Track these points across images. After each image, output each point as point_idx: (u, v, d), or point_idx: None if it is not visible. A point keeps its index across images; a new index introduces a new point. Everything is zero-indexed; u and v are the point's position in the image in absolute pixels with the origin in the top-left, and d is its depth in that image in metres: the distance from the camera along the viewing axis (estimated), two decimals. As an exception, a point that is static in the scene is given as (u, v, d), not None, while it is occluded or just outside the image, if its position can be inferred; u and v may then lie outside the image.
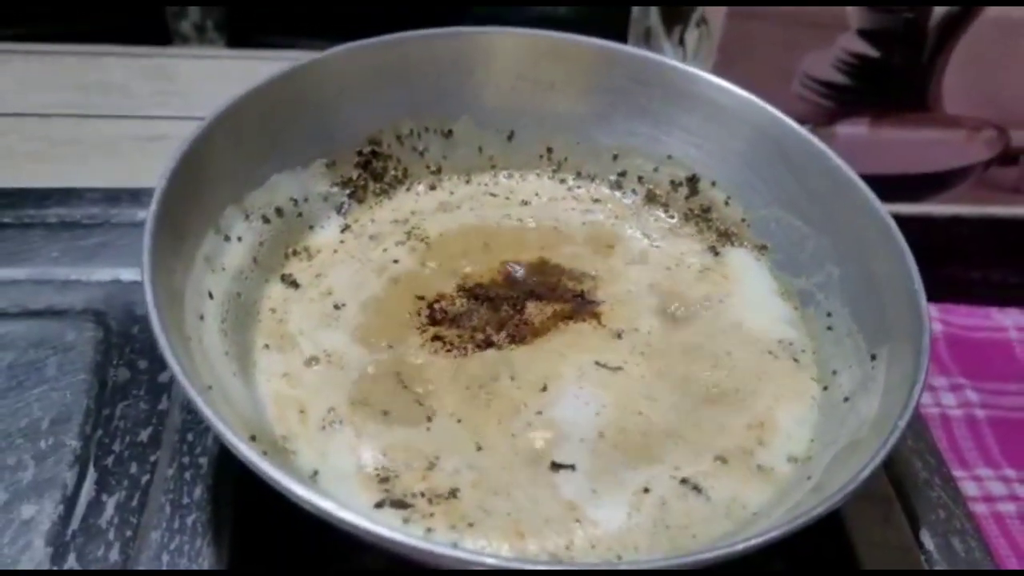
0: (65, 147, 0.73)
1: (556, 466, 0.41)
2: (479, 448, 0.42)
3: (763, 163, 0.50)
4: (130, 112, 0.77)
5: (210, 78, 0.83)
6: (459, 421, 0.43)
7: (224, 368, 0.41)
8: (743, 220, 0.52)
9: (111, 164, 0.72)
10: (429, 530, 0.39)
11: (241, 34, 0.87)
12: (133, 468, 0.47)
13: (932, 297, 0.84)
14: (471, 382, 0.44)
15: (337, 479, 0.40)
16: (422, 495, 0.40)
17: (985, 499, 0.70)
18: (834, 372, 0.45)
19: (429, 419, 0.43)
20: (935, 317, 0.81)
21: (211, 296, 0.43)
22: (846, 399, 0.43)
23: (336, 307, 0.47)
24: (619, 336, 0.47)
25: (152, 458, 0.47)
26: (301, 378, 0.44)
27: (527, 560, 0.37)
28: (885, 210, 0.45)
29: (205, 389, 0.36)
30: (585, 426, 0.43)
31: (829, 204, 0.47)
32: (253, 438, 0.38)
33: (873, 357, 0.42)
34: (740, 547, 0.32)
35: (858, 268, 0.46)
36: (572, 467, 0.41)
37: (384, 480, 0.40)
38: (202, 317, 0.41)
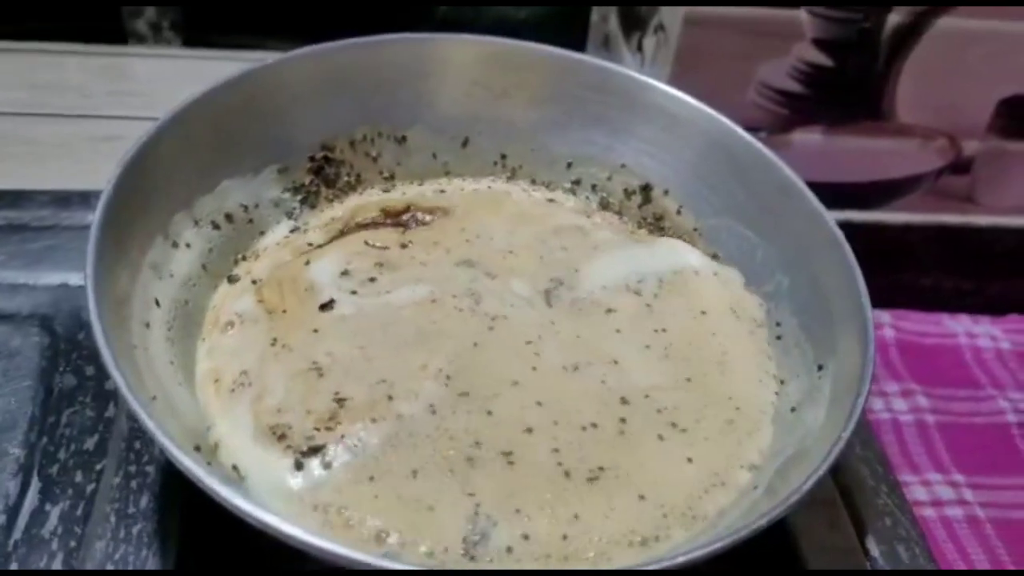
0: (18, 146, 0.72)
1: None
2: (315, 331, 0.45)
3: (714, 173, 0.51)
4: (85, 112, 0.76)
5: (166, 77, 0.82)
6: (273, 312, 0.46)
7: (169, 378, 0.40)
8: (695, 229, 0.52)
9: (65, 164, 0.71)
10: (356, 445, 0.40)
11: (197, 34, 0.86)
12: (78, 477, 0.46)
13: (885, 303, 0.86)
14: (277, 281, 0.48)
15: (256, 464, 0.40)
16: (317, 429, 0.40)
17: (934, 504, 0.71)
18: (782, 382, 0.45)
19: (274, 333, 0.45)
20: (888, 323, 0.83)
21: (158, 304, 0.42)
22: (793, 409, 0.43)
23: (254, 281, 0.48)
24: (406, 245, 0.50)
25: (98, 466, 0.46)
26: (219, 346, 0.45)
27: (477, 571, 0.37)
28: (834, 222, 0.45)
29: (149, 400, 0.36)
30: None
31: (779, 214, 0.48)
32: (198, 448, 0.38)
33: (820, 367, 0.43)
34: (680, 559, 0.32)
35: (807, 279, 0.46)
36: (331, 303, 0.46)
37: (282, 437, 0.40)
38: (148, 325, 0.41)
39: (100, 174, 0.43)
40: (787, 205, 0.47)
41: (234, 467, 0.40)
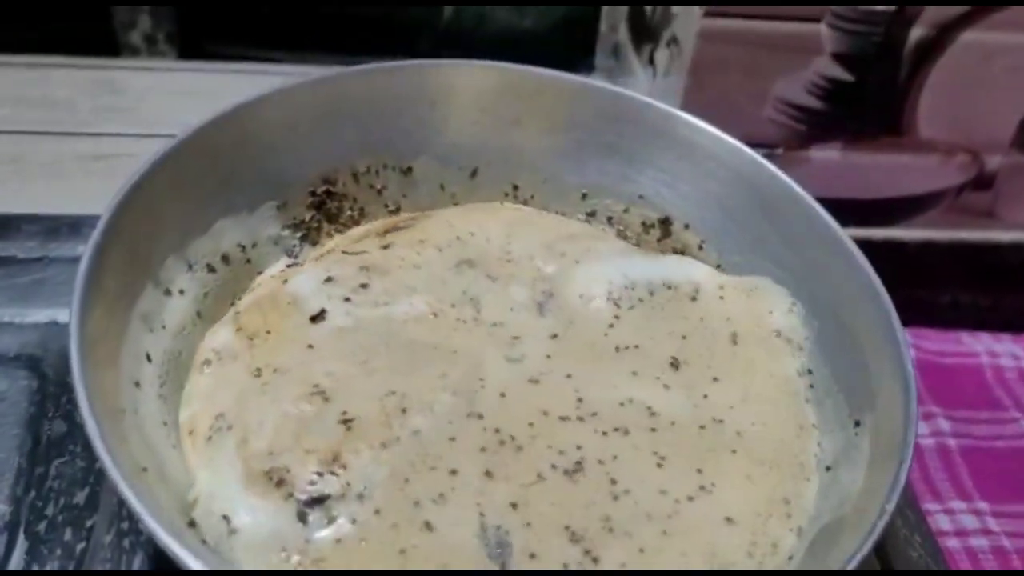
0: (3, 166, 0.69)
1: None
2: (310, 347, 0.42)
3: (738, 207, 0.48)
4: (74, 129, 0.74)
5: (160, 92, 0.79)
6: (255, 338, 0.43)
7: (162, 440, 0.38)
8: (718, 266, 0.49)
9: (53, 185, 0.69)
10: (363, 490, 0.37)
11: (193, 45, 0.83)
12: (67, 535, 0.43)
13: (903, 322, 0.83)
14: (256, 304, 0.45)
15: (250, 514, 0.37)
16: (319, 474, 0.37)
17: (958, 534, 0.69)
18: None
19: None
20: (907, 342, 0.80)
21: (149, 359, 0.40)
22: (828, 468, 0.40)
23: (237, 312, 0.45)
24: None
25: (88, 523, 0.44)
26: (196, 390, 0.42)
27: None
28: (869, 264, 0.43)
29: (139, 471, 0.33)
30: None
31: (809, 253, 0.45)
32: (192, 524, 0.35)
33: (857, 424, 0.40)
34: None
35: (838, 324, 0.43)
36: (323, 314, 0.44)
37: (280, 483, 0.37)
38: (138, 384, 0.38)
39: (90, 195, 0.41)
40: (818, 245, 0.44)
41: (224, 517, 0.37)
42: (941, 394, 0.77)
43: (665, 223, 0.50)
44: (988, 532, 0.69)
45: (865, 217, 0.78)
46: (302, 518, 0.37)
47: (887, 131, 0.74)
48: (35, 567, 0.42)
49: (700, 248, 0.50)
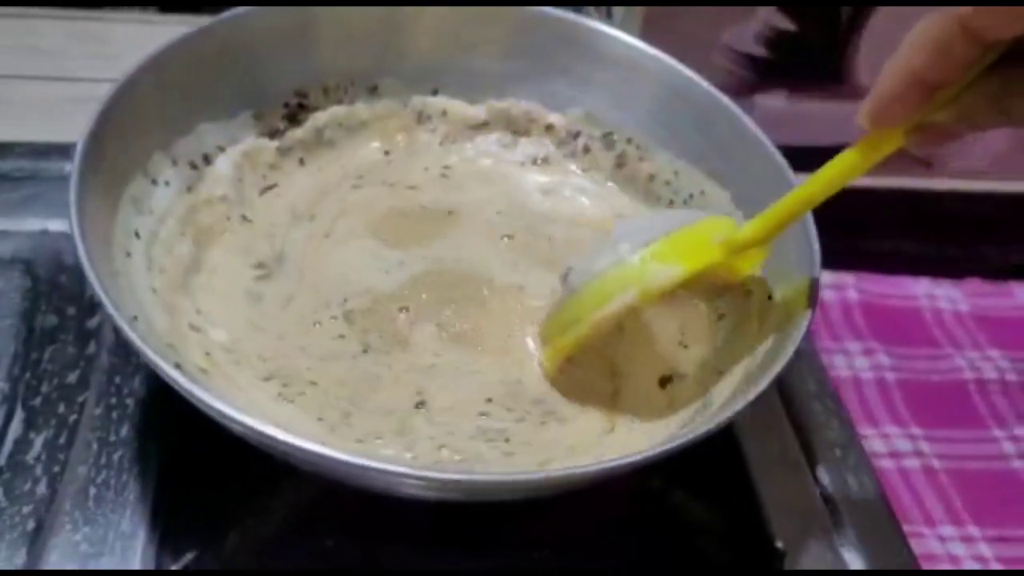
0: (-6, 106, 0.72)
1: None
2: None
3: (674, 120, 0.53)
4: (62, 74, 0.77)
5: (144, 43, 0.82)
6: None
7: (151, 303, 0.42)
8: (652, 175, 0.54)
9: (42, 123, 0.71)
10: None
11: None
12: (61, 408, 0.47)
13: (848, 267, 0.87)
14: None
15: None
16: None
17: (892, 455, 0.73)
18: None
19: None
20: (851, 285, 0.85)
21: (138, 236, 0.44)
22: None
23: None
24: None
25: (80, 399, 0.48)
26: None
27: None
28: (782, 158, 0.47)
29: (132, 319, 0.38)
30: None
31: (734, 158, 0.50)
32: (177, 366, 0.39)
33: (770, 297, 0.45)
34: (636, 458, 0.34)
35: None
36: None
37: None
38: (129, 254, 0.42)
39: (78, 131, 0.43)
40: (741, 148, 0.49)
41: None
42: (881, 332, 0.81)
43: (608, 136, 0.55)
44: (920, 454, 0.74)
45: (809, 163, 0.82)
46: None
47: (828, 79, 0.79)
48: (32, 435, 0.46)
49: (641, 160, 0.54)
